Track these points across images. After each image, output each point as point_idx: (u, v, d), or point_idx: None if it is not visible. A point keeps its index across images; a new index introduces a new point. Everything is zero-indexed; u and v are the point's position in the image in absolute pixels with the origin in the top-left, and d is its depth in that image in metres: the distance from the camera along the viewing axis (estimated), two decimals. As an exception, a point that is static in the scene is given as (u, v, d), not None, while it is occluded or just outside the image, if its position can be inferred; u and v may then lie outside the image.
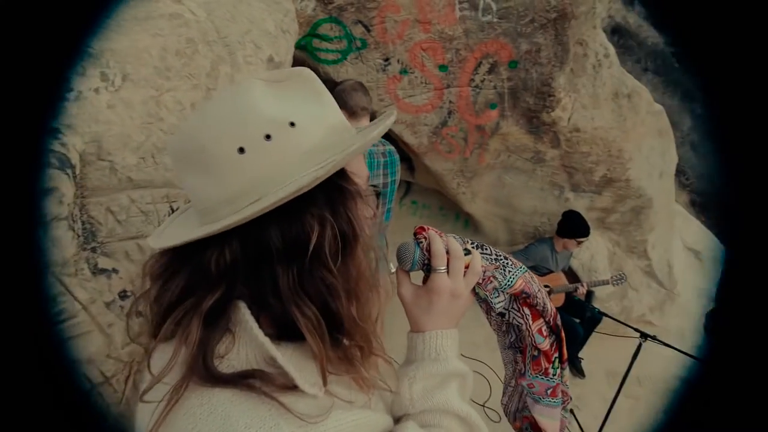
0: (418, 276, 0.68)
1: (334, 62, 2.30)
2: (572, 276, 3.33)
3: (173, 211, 0.82)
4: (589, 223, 3.13)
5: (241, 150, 0.43)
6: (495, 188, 3.09)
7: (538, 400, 0.78)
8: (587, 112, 2.62)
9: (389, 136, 2.56)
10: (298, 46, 2.24)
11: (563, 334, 0.73)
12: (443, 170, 2.93)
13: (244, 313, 0.44)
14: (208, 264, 0.44)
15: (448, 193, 3.17)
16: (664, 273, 3.80)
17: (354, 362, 0.48)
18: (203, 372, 0.41)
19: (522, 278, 0.66)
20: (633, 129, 2.79)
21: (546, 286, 3.08)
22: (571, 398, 0.84)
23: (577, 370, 3.29)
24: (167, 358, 0.43)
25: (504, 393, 0.88)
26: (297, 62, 2.39)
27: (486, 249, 0.67)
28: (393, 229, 3.59)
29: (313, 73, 0.51)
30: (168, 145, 0.49)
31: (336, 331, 0.46)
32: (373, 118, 2.27)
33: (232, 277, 0.44)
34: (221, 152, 0.43)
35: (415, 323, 0.61)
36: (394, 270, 2.09)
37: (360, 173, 0.54)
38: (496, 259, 0.67)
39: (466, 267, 0.60)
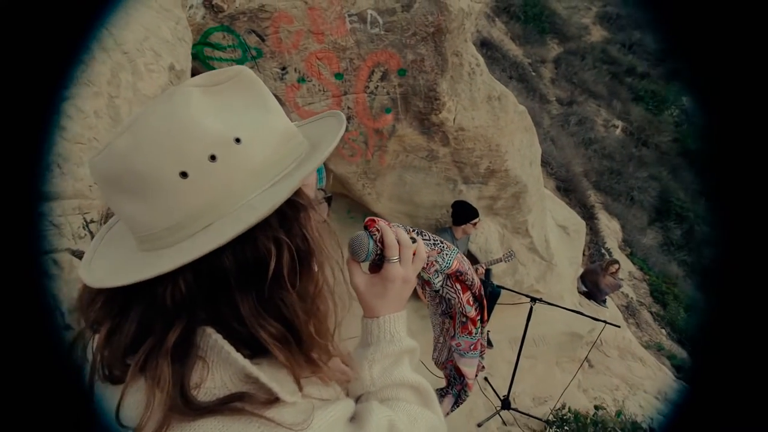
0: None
1: (230, 72, 2.28)
2: (471, 259, 3.74)
3: (87, 223, 0.78)
4: (480, 210, 3.55)
5: (184, 174, 0.39)
6: (397, 187, 3.34)
7: (462, 354, 0.95)
8: (468, 113, 3.01)
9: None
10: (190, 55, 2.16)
11: (485, 301, 0.88)
12: (348, 173, 3.07)
13: (216, 338, 0.42)
14: (163, 299, 0.41)
15: (354, 195, 3.31)
16: (543, 248, 4.48)
17: (318, 363, 0.48)
18: (183, 407, 0.39)
19: (456, 259, 0.77)
20: (506, 126, 3.27)
21: (451, 271, 3.41)
22: (484, 347, 1.03)
23: (486, 342, 3.68)
24: (139, 405, 0.40)
25: (434, 349, 1.04)
26: (192, 72, 2.31)
27: (426, 235, 0.74)
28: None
29: (252, 73, 0.47)
30: (91, 167, 0.43)
31: (298, 345, 0.46)
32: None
33: (191, 308, 0.42)
34: (160, 178, 0.39)
35: (369, 309, 0.64)
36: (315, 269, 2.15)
37: (310, 182, 0.54)
38: (434, 244, 0.75)
39: (414, 254, 0.65)
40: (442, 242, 0.77)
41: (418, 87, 2.63)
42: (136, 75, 0.99)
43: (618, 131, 13.05)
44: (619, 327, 3.11)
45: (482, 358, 1.00)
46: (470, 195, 3.51)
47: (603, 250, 8.05)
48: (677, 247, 10.19)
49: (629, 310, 7.40)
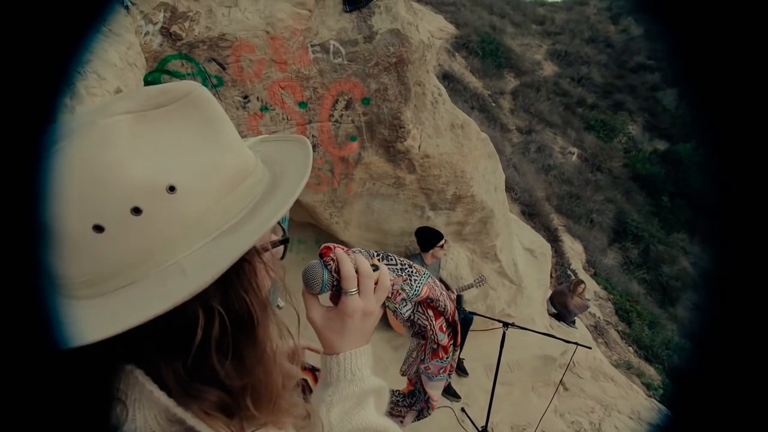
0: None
1: (189, 100, 2.21)
2: (445, 287, 3.70)
3: None
4: (449, 237, 3.56)
5: (99, 228, 0.33)
6: (365, 215, 3.30)
7: (430, 377, 0.90)
8: (432, 141, 3.05)
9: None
10: (146, 82, 2.09)
11: (459, 327, 0.84)
12: (315, 202, 3.00)
13: (137, 375, 0.37)
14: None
15: (322, 224, 3.24)
16: (512, 271, 4.52)
17: (267, 419, 0.44)
18: None
19: (426, 285, 0.71)
20: (470, 153, 3.35)
21: (423, 298, 3.36)
22: (453, 368, 0.98)
23: (461, 370, 3.60)
24: None
25: (405, 362, 0.97)
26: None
27: (391, 259, 0.69)
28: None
29: (205, 92, 0.40)
30: None
31: (240, 410, 0.41)
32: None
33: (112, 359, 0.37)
34: (70, 231, 0.33)
35: (328, 346, 0.59)
36: (282, 305, 2.04)
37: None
38: (401, 269, 0.69)
39: (376, 283, 0.59)
40: (411, 266, 0.71)
41: (382, 115, 2.65)
42: (75, 98, 0.91)
43: (574, 158, 13.79)
44: (590, 348, 3.13)
45: (449, 376, 0.95)
46: (438, 221, 3.52)
47: (569, 272, 8.27)
48: (636, 265, 10.64)
49: (597, 330, 7.55)
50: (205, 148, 0.38)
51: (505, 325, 2.94)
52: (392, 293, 0.66)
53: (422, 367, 0.89)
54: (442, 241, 3.31)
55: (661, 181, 13.03)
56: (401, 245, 3.61)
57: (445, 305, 0.75)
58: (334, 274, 0.59)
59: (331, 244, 0.63)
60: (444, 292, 0.76)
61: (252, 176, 0.42)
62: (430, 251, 3.31)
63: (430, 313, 0.76)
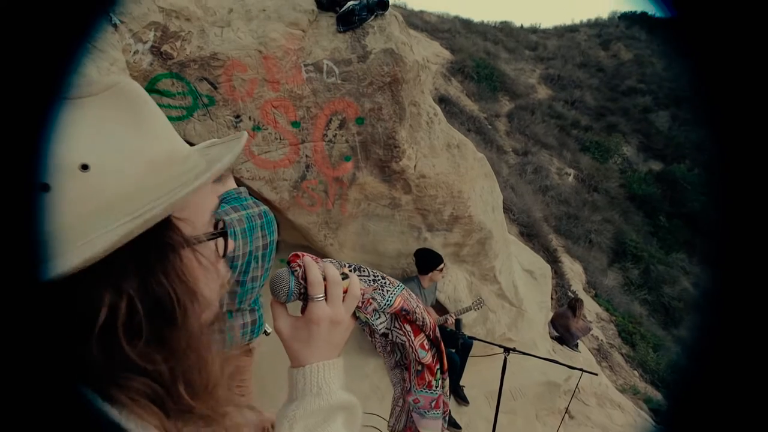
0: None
1: (179, 119, 2.17)
2: (440, 309, 3.59)
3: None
4: (447, 258, 3.47)
5: None
6: (360, 236, 3.22)
7: (423, 414, 0.81)
8: (428, 161, 3.01)
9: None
10: (133, 103, 2.05)
11: (442, 346, 0.75)
12: (308, 224, 2.93)
13: None
14: None
15: (315, 246, 3.16)
16: (512, 293, 4.42)
17: (209, 416, 0.42)
18: None
19: (400, 296, 0.66)
20: (466, 173, 3.31)
21: (421, 323, 3.24)
22: (447, 406, 0.87)
23: (461, 398, 3.44)
24: None
25: (392, 414, 0.89)
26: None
27: (363, 270, 0.66)
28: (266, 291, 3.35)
29: (138, 87, 0.41)
30: None
31: (173, 402, 0.39)
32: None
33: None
34: None
35: (295, 358, 0.56)
36: (270, 331, 1.90)
37: (197, 213, 0.45)
38: (374, 280, 0.66)
39: (345, 292, 0.58)
40: (384, 278, 0.67)
41: (377, 135, 2.62)
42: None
43: (571, 178, 13.86)
44: (596, 375, 3.00)
45: (445, 420, 0.84)
46: (435, 242, 3.44)
47: (570, 293, 8.14)
48: (637, 286, 10.52)
49: (601, 353, 7.36)
50: (127, 133, 0.38)
51: (506, 350, 2.81)
52: (362, 303, 0.62)
53: (410, 400, 0.80)
54: (442, 265, 3.22)
55: (658, 201, 13.06)
56: (398, 267, 3.52)
57: (424, 319, 0.69)
58: (301, 281, 0.57)
59: (300, 252, 0.61)
60: (421, 306, 0.70)
61: (183, 164, 0.41)
62: (429, 274, 3.22)
63: (408, 328, 0.69)
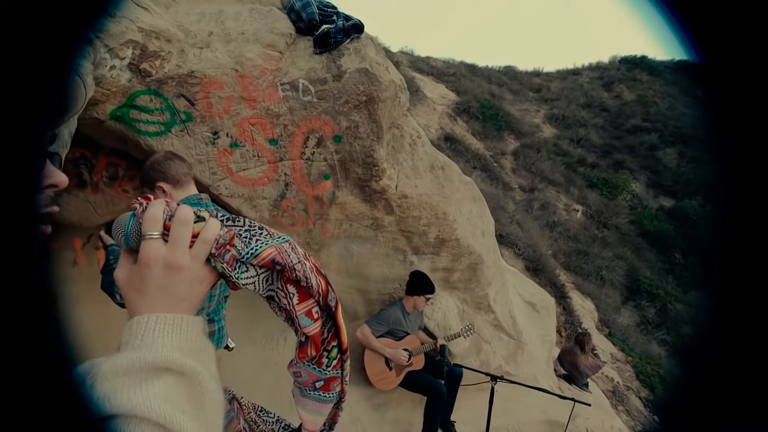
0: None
1: (157, 134, 2.23)
2: (429, 335, 3.43)
3: None
4: (436, 284, 3.36)
5: None
6: (344, 259, 3.17)
7: (303, 391, 0.70)
8: (411, 181, 3.01)
9: (230, 210, 2.48)
10: (114, 117, 2.13)
11: (340, 319, 0.65)
12: (290, 243, 2.91)
13: None
14: None
15: (299, 267, 3.11)
16: (510, 324, 4.22)
17: None
18: None
19: (275, 247, 0.55)
20: (451, 195, 3.28)
21: (405, 350, 3.09)
22: (345, 393, 0.73)
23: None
24: None
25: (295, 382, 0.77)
26: (115, 134, 2.25)
27: (239, 221, 0.57)
28: (244, 317, 3.27)
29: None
30: None
31: None
32: (199, 188, 2.18)
33: None
34: None
35: (130, 311, 0.48)
36: (233, 346, 1.82)
37: None
38: (247, 230, 0.56)
39: (197, 236, 0.50)
40: (262, 229, 0.57)
41: (355, 153, 2.64)
42: None
43: (579, 214, 13.68)
44: (589, 405, 2.77)
45: (340, 408, 0.74)
46: (423, 266, 3.36)
47: (580, 330, 7.77)
48: (654, 325, 9.99)
49: (617, 396, 6.87)
50: None
51: (493, 378, 2.64)
52: (217, 249, 0.51)
53: (290, 371, 0.70)
54: (430, 296, 3.12)
55: (671, 238, 12.70)
56: (384, 293, 3.42)
57: (308, 279, 0.57)
58: (141, 221, 0.49)
59: (151, 195, 0.54)
60: (309, 264, 0.59)
61: None
62: (413, 298, 3.12)
63: (292, 290, 0.58)
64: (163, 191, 1.60)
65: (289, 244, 0.58)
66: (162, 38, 2.08)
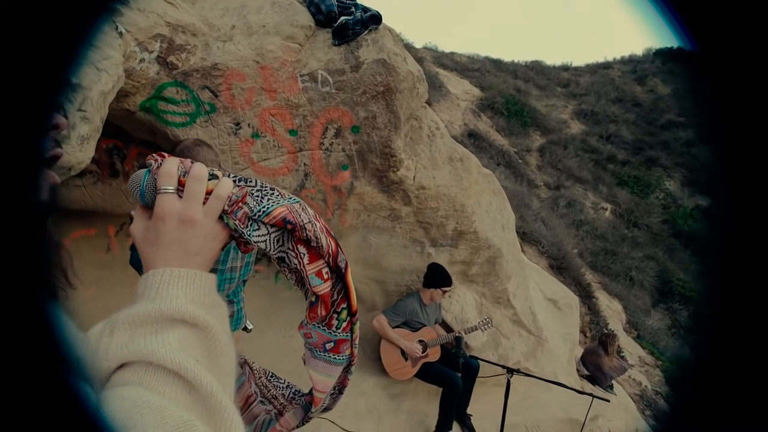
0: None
1: (183, 125, 2.33)
2: (446, 329, 3.43)
3: None
4: (454, 277, 3.36)
5: None
6: (362, 249, 3.21)
7: (314, 352, 0.70)
8: (428, 172, 3.01)
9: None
10: (143, 108, 2.24)
11: (350, 280, 0.65)
12: (309, 233, 2.97)
13: None
14: None
15: (318, 257, 3.17)
16: (530, 320, 4.15)
17: None
18: None
19: (286, 206, 0.56)
20: (470, 187, 3.26)
21: (420, 341, 3.10)
22: (354, 356, 0.73)
23: (468, 428, 3.19)
24: None
25: (305, 345, 0.77)
26: (144, 125, 2.37)
27: (251, 182, 0.57)
28: (266, 305, 3.37)
29: None
30: None
31: None
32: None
33: None
34: None
35: (145, 264, 0.49)
36: (251, 328, 1.88)
37: None
38: (260, 190, 0.56)
39: (209, 193, 0.51)
40: (274, 190, 0.57)
41: (372, 144, 2.67)
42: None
43: (607, 213, 13.23)
44: (608, 401, 2.70)
45: (350, 372, 0.75)
46: (441, 259, 3.36)
47: (606, 331, 7.54)
48: (687, 329, 9.56)
49: (644, 400, 6.63)
50: None
51: (510, 371, 2.62)
52: (230, 206, 0.52)
53: (301, 332, 0.70)
54: (447, 289, 3.12)
55: (707, 238, 12.06)
56: (402, 284, 3.44)
57: (318, 239, 0.58)
58: (156, 177, 0.50)
59: (166, 153, 0.54)
60: (319, 225, 0.59)
61: None
62: (430, 290, 3.13)
63: (302, 250, 0.58)
64: None
65: (300, 204, 0.59)
66: (188, 32, 2.17)
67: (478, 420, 3.36)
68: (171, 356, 0.40)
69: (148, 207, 0.51)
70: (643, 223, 12.75)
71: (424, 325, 3.16)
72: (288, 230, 0.57)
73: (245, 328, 2.02)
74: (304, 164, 2.68)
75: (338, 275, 0.64)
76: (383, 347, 3.11)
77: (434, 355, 3.15)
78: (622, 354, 6.81)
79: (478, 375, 3.15)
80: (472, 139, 13.67)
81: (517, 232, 4.91)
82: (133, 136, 2.61)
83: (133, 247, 1.73)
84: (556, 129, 16.55)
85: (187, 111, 2.31)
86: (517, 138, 15.22)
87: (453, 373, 3.01)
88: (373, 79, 2.46)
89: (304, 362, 0.75)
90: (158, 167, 0.51)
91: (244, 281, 2.01)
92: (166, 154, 0.53)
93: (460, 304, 3.58)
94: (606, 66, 21.47)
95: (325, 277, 0.62)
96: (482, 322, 3.23)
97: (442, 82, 15.21)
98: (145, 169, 0.52)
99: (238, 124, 2.43)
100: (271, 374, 1.02)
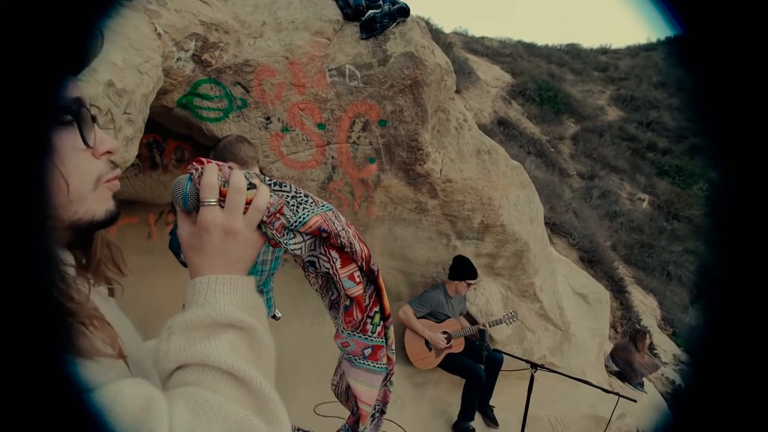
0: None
1: (217, 120, 2.43)
2: (471, 321, 3.44)
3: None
4: (480, 270, 3.35)
5: None
6: (388, 240, 3.25)
7: (354, 361, 0.70)
8: (455, 165, 3.00)
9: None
10: (180, 105, 2.34)
11: (382, 282, 0.66)
12: (336, 224, 3.03)
13: None
14: None
15: (344, 248, 3.24)
16: (557, 314, 4.10)
17: None
18: None
19: (320, 215, 0.58)
20: (497, 180, 3.22)
21: (444, 332, 3.13)
22: (393, 364, 0.73)
23: (490, 419, 3.23)
24: None
25: (336, 371, 0.79)
26: (181, 121, 2.48)
27: (286, 186, 0.59)
28: (294, 293, 3.49)
29: None
30: None
31: None
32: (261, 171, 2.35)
33: None
34: None
35: (192, 268, 0.53)
36: (280, 316, 1.97)
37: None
38: (293, 197, 0.58)
39: (249, 203, 0.53)
40: (308, 197, 0.59)
41: (399, 137, 2.68)
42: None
43: (645, 204, 12.66)
44: (635, 401, 2.65)
45: (390, 382, 0.74)
46: (466, 251, 3.35)
47: (639, 327, 7.31)
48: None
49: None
50: None
51: (534, 366, 2.62)
52: (268, 216, 0.54)
53: (338, 343, 0.70)
54: (473, 281, 3.12)
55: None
56: (427, 275, 3.47)
57: (352, 245, 0.59)
58: (198, 186, 0.52)
59: (206, 159, 0.56)
60: (351, 231, 0.61)
61: None
62: (455, 282, 3.14)
63: (335, 255, 0.60)
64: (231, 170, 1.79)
65: (333, 212, 0.60)
66: (221, 30, 2.24)
67: (501, 412, 3.38)
68: (224, 358, 0.45)
69: (190, 212, 0.55)
70: (684, 216, 12.13)
71: (449, 317, 3.19)
72: (323, 237, 0.59)
73: (274, 316, 2.12)
74: (332, 157, 2.73)
75: (370, 279, 0.65)
76: (407, 337, 3.17)
77: (458, 346, 3.18)
78: (655, 351, 6.60)
79: (502, 368, 3.15)
80: (502, 127, 13.33)
81: (546, 223, 4.80)
82: (171, 130, 2.74)
83: (172, 232, 1.84)
84: (592, 116, 15.86)
85: (220, 107, 2.40)
86: (549, 126, 14.71)
87: (476, 365, 3.04)
88: (400, 72, 2.46)
89: (344, 371, 0.74)
90: (200, 176, 0.53)
91: (273, 273, 2.10)
92: (205, 161, 0.56)
93: (485, 296, 3.58)
94: (649, 48, 20.23)
95: (357, 280, 0.63)
96: (507, 315, 3.22)
97: (472, 68, 14.83)
98: (187, 176, 0.55)
99: (268, 118, 2.50)
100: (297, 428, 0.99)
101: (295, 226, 0.56)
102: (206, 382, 0.44)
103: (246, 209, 0.53)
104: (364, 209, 3.02)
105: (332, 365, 0.79)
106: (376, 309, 0.67)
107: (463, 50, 16.34)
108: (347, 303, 0.65)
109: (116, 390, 0.39)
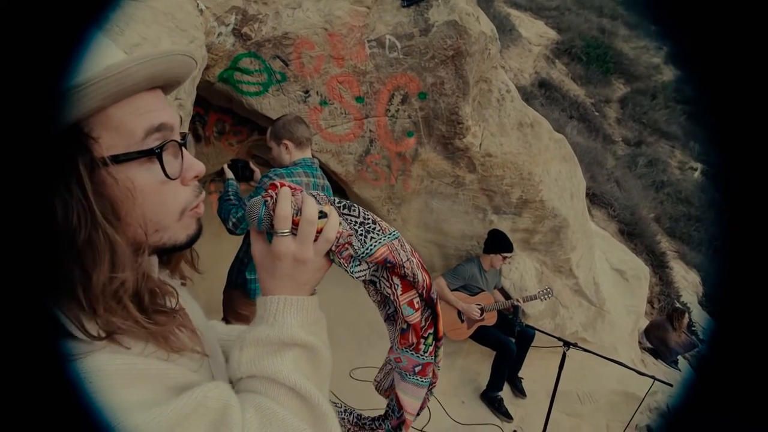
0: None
1: (257, 94, 2.44)
2: (504, 296, 3.46)
3: None
4: (515, 245, 3.32)
5: None
6: (423, 214, 3.25)
7: (404, 376, 0.74)
8: (496, 139, 2.90)
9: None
10: (221, 79, 2.37)
11: (439, 309, 0.69)
12: (372, 198, 3.06)
13: None
14: None
15: (379, 220, 3.28)
16: (592, 291, 4.03)
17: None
18: None
19: (386, 246, 0.60)
20: (539, 154, 3.10)
21: (478, 305, 3.17)
22: (436, 378, 0.75)
23: (519, 390, 3.31)
24: None
25: (381, 369, 0.84)
26: (222, 95, 2.51)
27: (354, 210, 0.61)
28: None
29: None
30: None
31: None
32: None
33: None
34: None
35: (263, 287, 0.58)
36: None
37: (120, 132, 0.45)
38: (361, 224, 0.60)
39: (320, 232, 0.55)
40: (375, 223, 0.61)
41: (439, 110, 2.61)
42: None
43: (697, 173, 11.84)
44: (671, 386, 2.63)
45: (431, 392, 0.77)
46: (503, 226, 3.31)
47: (678, 304, 7.09)
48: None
49: (712, 378, 6.31)
50: None
51: (566, 344, 2.63)
52: (337, 247, 0.57)
53: (391, 357, 0.74)
54: (508, 255, 3.10)
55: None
56: (462, 249, 3.48)
57: (414, 275, 0.62)
58: (272, 212, 0.55)
59: (279, 182, 0.59)
60: (415, 261, 0.63)
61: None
62: (490, 256, 3.14)
63: (396, 281, 0.63)
64: (287, 148, 1.87)
65: (399, 240, 0.63)
66: (260, 1, 2.20)
67: (530, 383, 3.45)
68: (288, 375, 0.51)
69: (264, 232, 0.59)
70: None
71: (483, 290, 3.22)
72: (387, 267, 0.62)
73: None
74: (370, 131, 2.71)
75: (428, 304, 0.68)
76: (440, 308, 3.23)
77: (490, 319, 3.23)
78: (693, 329, 6.42)
79: (533, 344, 3.19)
80: (543, 89, 12.57)
81: (585, 194, 4.62)
82: (212, 104, 2.78)
83: (221, 199, 1.92)
84: (644, 75, 14.63)
85: (260, 81, 2.40)
86: (595, 87, 13.74)
87: (507, 339, 3.08)
88: (443, 42, 2.35)
89: (394, 383, 0.78)
90: (274, 203, 0.56)
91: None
92: (278, 184, 0.58)
93: (520, 271, 3.56)
94: (717, -3, 18.02)
95: (416, 306, 0.66)
96: (542, 291, 3.20)
97: (514, 25, 13.85)
98: (261, 201, 0.58)
99: (307, 92, 2.49)
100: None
101: (363, 256, 0.58)
102: (272, 393, 0.51)
103: (317, 237, 0.55)
104: (401, 183, 3.01)
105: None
106: (431, 331, 0.70)
107: (505, 4, 15.23)
108: (404, 326, 0.69)
109: (203, 392, 0.45)
